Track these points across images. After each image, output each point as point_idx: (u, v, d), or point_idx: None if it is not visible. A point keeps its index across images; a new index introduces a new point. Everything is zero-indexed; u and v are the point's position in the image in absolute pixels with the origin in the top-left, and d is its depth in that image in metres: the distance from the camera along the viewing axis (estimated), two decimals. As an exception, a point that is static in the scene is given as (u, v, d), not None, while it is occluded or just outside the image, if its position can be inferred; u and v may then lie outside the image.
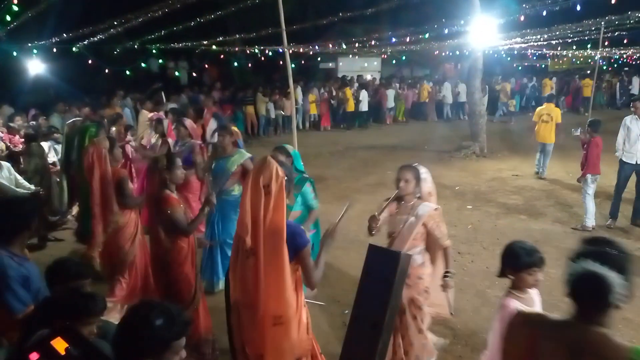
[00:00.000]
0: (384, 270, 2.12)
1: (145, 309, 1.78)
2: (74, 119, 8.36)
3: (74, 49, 12.49)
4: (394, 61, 24.40)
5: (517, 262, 2.66)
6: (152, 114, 8.91)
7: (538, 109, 10.78)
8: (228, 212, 5.20)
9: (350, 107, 17.83)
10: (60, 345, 1.75)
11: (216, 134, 6.44)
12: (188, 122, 6.57)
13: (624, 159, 7.10)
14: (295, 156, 4.56)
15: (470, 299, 5.03)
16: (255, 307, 2.57)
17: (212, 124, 9.82)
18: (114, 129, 8.29)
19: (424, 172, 3.75)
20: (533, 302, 2.74)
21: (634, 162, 7.00)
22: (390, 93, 19.04)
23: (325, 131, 17.64)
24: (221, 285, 5.17)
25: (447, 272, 3.65)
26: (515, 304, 2.58)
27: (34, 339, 1.91)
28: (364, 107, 18.12)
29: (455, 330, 4.47)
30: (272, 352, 2.57)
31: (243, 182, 5.12)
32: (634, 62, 25.06)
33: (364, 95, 18.02)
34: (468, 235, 6.91)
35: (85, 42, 12.15)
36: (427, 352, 3.62)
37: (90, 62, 13.38)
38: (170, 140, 6.88)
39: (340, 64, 23.76)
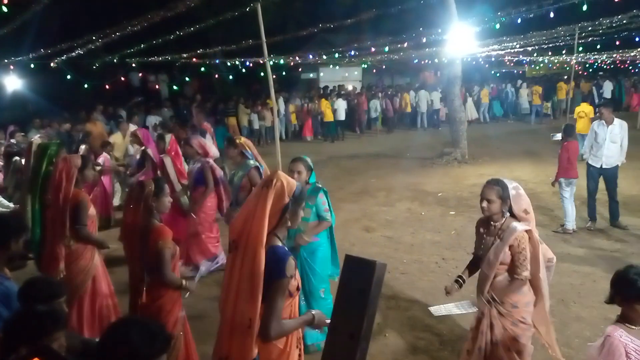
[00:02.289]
0: (360, 280, 2.13)
1: (125, 326, 1.76)
2: (38, 135, 7.95)
3: (52, 64, 12.37)
4: (374, 70, 24.65)
5: (630, 291, 2.37)
6: (135, 129, 8.80)
7: (577, 107, 12.53)
8: None
9: (328, 117, 17.70)
10: (37, 365, 1.72)
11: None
12: (195, 140, 6.24)
13: (590, 162, 7.28)
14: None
15: (455, 305, 5.05)
16: (227, 305, 2.40)
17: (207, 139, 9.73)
18: (82, 146, 8.19)
19: (513, 187, 3.26)
20: None
21: (599, 166, 7.16)
22: (373, 103, 19.10)
23: (307, 141, 17.68)
24: None
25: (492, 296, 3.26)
26: (622, 335, 2.35)
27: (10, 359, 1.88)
28: (341, 116, 18.00)
29: (441, 336, 4.49)
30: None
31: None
32: (606, 67, 25.72)
33: (339, 104, 17.94)
34: (452, 241, 6.97)
35: (64, 57, 12.05)
36: None
37: (69, 77, 13.25)
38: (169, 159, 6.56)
39: (322, 74, 23.95)
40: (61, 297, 2.69)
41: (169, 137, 7.01)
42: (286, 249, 2.49)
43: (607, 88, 22.10)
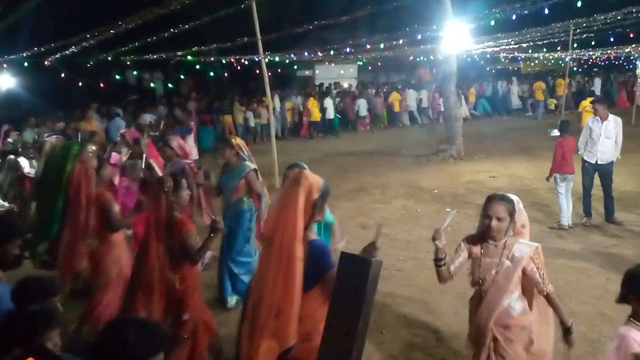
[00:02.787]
0: (355, 277, 2.13)
1: (122, 325, 1.76)
2: (54, 136, 7.86)
3: (46, 62, 12.30)
4: (370, 67, 24.64)
5: None
6: (123, 130, 8.67)
7: (582, 102, 12.54)
8: (235, 228, 5.04)
9: (315, 116, 17.66)
10: (32, 365, 1.72)
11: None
12: (175, 141, 6.04)
13: (585, 158, 7.30)
14: None
15: (451, 302, 5.07)
16: (264, 296, 2.55)
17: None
18: (93, 147, 8.10)
19: (516, 200, 3.04)
20: None
21: (594, 162, 7.19)
22: (362, 102, 19.05)
23: (303, 139, 17.66)
24: (230, 303, 5.13)
25: (567, 328, 2.94)
26: (636, 335, 2.31)
27: (5, 360, 1.88)
28: (330, 114, 18.00)
29: (438, 333, 4.51)
30: (267, 349, 2.50)
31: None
32: (602, 63, 25.82)
33: (328, 103, 17.92)
34: (448, 238, 6.93)
35: (58, 56, 11.98)
36: None
37: (63, 75, 13.17)
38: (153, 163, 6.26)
39: (317, 71, 23.89)
40: (55, 297, 2.68)
41: (145, 142, 6.75)
42: (322, 240, 2.72)
43: (597, 84, 22.30)
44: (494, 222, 2.90)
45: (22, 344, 2.02)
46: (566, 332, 2.95)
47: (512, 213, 2.94)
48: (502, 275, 2.92)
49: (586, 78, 23.36)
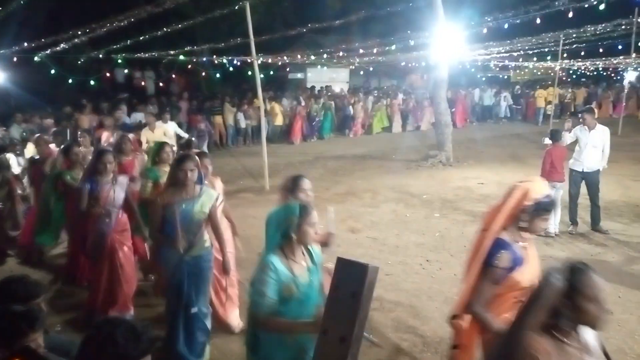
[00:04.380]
0: (352, 283, 2.12)
1: (110, 326, 1.74)
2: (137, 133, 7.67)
3: (35, 58, 12.16)
4: (361, 72, 24.72)
5: None
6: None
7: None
8: (202, 270, 3.97)
9: (278, 120, 17.52)
10: (18, 365, 1.69)
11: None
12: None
13: (572, 167, 7.40)
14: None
15: (439, 306, 5.09)
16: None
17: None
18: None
19: None
20: None
21: (581, 170, 7.29)
22: (315, 108, 18.96)
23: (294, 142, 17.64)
24: None
25: None
26: None
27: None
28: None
29: (424, 338, 4.52)
30: None
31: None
32: (590, 74, 26.18)
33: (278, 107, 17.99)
34: (436, 243, 7.02)
35: (48, 52, 11.85)
36: None
37: (53, 71, 13.03)
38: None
39: (309, 74, 23.91)
40: (38, 297, 2.61)
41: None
42: (509, 243, 2.76)
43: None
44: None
45: (4, 345, 1.99)
46: None
47: None
48: None
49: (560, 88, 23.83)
